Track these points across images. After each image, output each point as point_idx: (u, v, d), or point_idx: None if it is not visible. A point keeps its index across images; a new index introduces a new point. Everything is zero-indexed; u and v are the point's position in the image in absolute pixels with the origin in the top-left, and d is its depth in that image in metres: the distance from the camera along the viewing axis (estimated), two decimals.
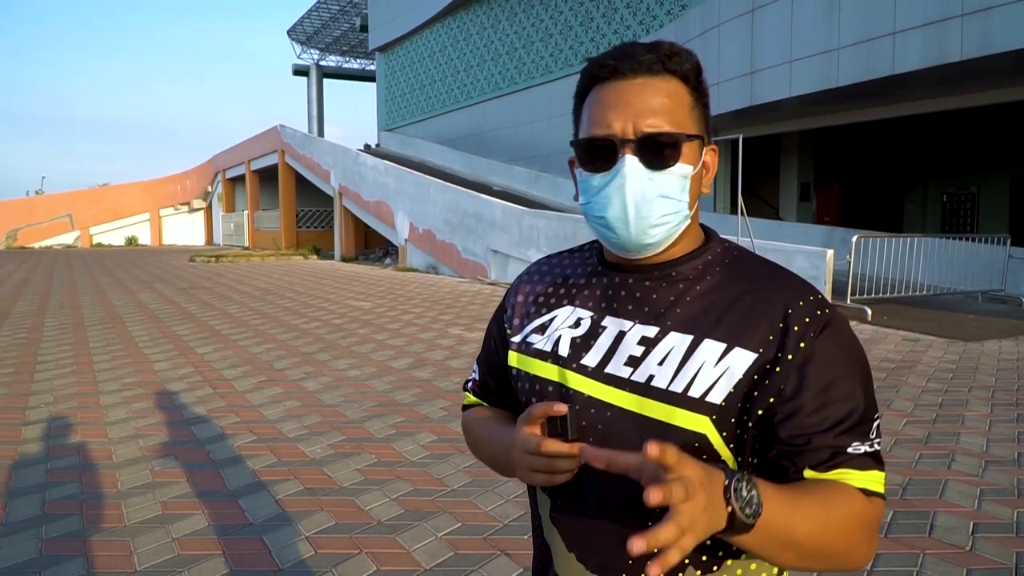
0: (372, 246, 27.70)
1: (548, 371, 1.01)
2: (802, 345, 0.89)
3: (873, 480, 0.87)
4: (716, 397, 0.89)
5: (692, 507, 0.70)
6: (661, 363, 0.92)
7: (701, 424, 0.89)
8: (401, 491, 3.80)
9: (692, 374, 0.91)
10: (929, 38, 9.79)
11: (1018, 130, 15.48)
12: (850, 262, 9.69)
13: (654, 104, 0.92)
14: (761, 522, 0.76)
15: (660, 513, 0.91)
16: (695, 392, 0.90)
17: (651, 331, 0.95)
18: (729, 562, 0.93)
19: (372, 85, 40.63)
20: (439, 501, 3.66)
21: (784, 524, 0.79)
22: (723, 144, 13.00)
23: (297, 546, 3.17)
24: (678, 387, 0.90)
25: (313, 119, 46.76)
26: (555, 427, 0.90)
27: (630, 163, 0.91)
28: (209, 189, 42.45)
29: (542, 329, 1.05)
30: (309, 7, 40.06)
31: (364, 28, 36.82)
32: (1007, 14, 8.90)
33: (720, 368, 0.90)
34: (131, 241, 42.74)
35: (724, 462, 0.90)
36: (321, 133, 45.68)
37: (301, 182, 29.91)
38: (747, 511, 0.74)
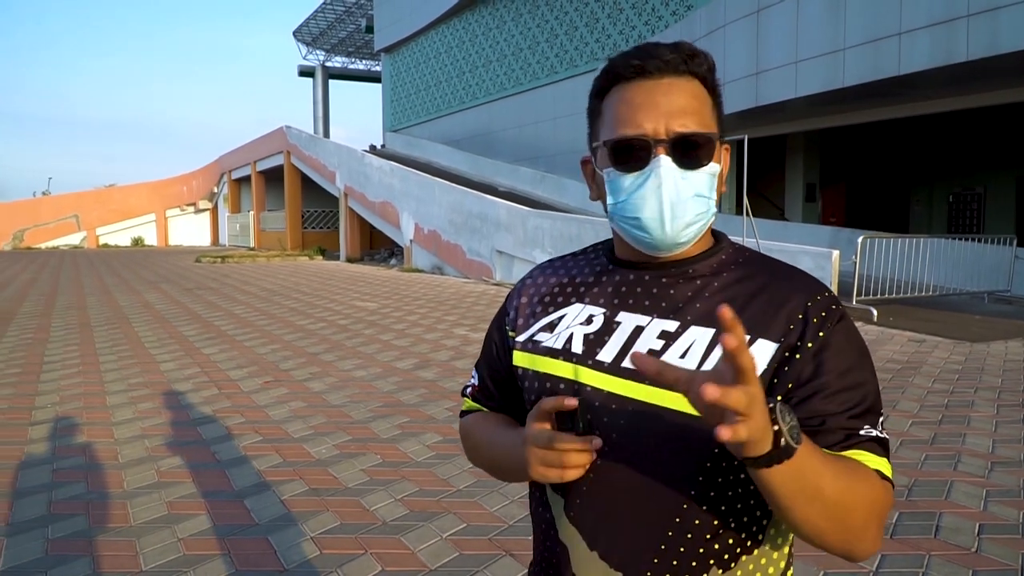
0: (377, 247, 27.76)
1: (560, 368, 1.00)
2: (820, 335, 0.91)
3: (885, 466, 0.88)
4: None
5: (759, 418, 0.71)
6: (683, 356, 0.92)
7: None
8: (406, 492, 3.80)
9: None
10: (936, 38, 9.75)
11: None
12: (856, 263, 9.65)
13: (683, 104, 0.93)
14: (798, 457, 0.76)
15: (675, 510, 0.93)
16: None
17: (672, 325, 0.95)
18: (744, 557, 0.94)
19: (378, 86, 40.74)
20: (444, 502, 3.66)
21: (817, 470, 0.79)
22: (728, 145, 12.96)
23: (302, 546, 3.17)
24: None
25: (319, 120, 46.88)
26: (565, 421, 0.90)
27: (665, 163, 0.92)
28: (215, 190, 42.59)
29: (551, 327, 1.04)
30: (315, 8, 40.20)
31: (370, 29, 36.90)
32: (1014, 14, 8.87)
33: None
34: (137, 242, 42.93)
35: None
36: (327, 134, 45.77)
37: (307, 183, 29.98)
38: (793, 434, 0.75)
